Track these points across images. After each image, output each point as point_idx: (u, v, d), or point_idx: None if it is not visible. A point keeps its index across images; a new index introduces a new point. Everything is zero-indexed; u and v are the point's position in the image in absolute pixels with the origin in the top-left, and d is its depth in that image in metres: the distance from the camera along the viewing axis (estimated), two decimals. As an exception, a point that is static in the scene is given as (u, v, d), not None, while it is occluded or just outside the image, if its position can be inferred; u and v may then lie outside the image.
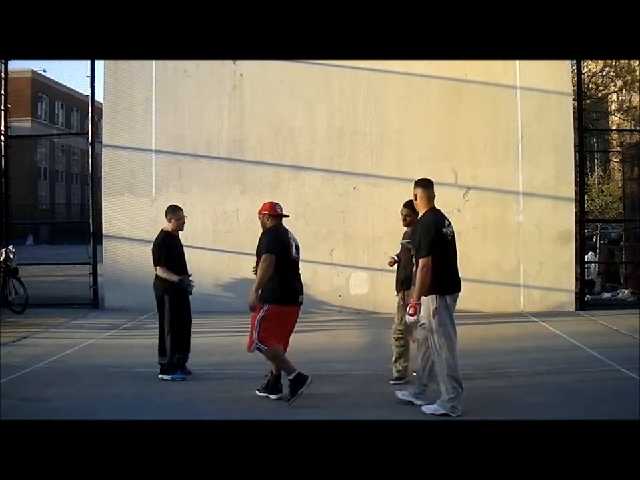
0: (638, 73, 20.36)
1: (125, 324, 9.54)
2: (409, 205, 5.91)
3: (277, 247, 5.38)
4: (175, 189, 10.87)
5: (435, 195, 5.28)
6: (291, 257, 5.49)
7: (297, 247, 5.61)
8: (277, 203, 5.79)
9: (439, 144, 10.64)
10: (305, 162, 10.75)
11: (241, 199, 10.71)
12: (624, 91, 23.49)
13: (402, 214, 6.13)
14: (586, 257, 13.05)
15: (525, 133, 10.57)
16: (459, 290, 5.28)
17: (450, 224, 5.26)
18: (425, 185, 5.30)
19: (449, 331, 5.08)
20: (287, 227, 5.71)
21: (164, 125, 10.92)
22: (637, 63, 19.51)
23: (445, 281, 5.08)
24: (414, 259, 5.28)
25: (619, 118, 24.29)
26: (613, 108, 24.86)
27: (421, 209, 5.28)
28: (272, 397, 5.52)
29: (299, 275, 5.62)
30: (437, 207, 5.26)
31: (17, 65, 15.92)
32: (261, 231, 5.68)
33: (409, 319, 5.10)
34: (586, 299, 10.84)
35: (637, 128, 22.13)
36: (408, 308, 5.12)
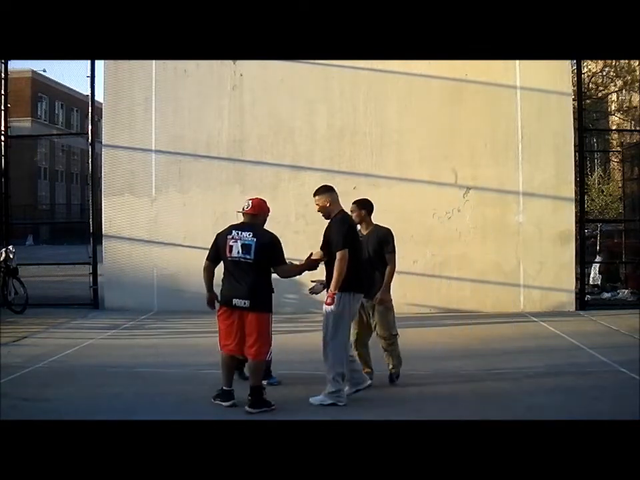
0: (638, 73, 20.36)
1: (125, 324, 9.53)
2: (357, 202, 6.08)
3: (212, 250, 5.51)
4: (175, 188, 10.87)
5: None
6: (227, 258, 5.35)
7: (243, 246, 5.29)
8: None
9: (439, 144, 10.64)
10: (305, 162, 10.75)
11: (241, 199, 10.60)
12: (624, 91, 23.48)
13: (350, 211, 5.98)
14: (597, 258, 13.08)
15: (525, 133, 10.57)
16: (363, 292, 5.58)
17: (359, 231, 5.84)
18: (332, 189, 5.60)
19: (345, 326, 5.45)
20: (244, 224, 5.54)
21: (164, 125, 10.92)
22: (637, 63, 19.50)
23: (351, 278, 5.33)
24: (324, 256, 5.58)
25: (619, 118, 24.28)
26: (613, 108, 24.85)
27: (333, 212, 5.53)
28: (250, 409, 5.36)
29: (241, 275, 5.26)
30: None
31: (17, 65, 15.91)
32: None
33: (325, 308, 5.40)
34: (586, 299, 10.84)
35: (637, 128, 22.13)
36: (326, 297, 5.39)
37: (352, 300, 5.42)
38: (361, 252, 5.63)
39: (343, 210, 5.57)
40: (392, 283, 6.03)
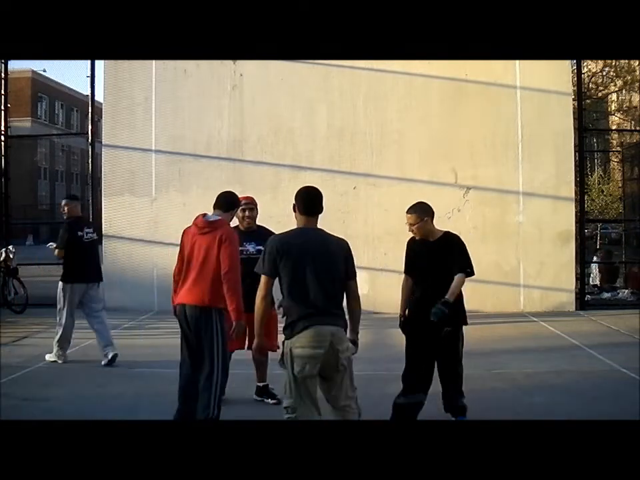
0: (638, 73, 20.36)
1: (125, 324, 9.53)
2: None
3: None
4: (175, 188, 10.87)
5: (76, 205, 7.33)
6: None
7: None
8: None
9: (439, 144, 10.64)
10: (305, 162, 10.76)
11: (241, 199, 10.71)
12: (624, 91, 23.48)
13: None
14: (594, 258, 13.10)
15: (524, 133, 10.58)
16: (83, 281, 7.08)
17: (92, 231, 7.25)
18: (77, 197, 7.66)
19: (69, 311, 7.03)
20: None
21: (164, 124, 10.92)
22: (637, 63, 19.51)
23: (69, 272, 7.06)
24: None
25: (619, 118, 24.29)
26: (613, 108, 24.85)
27: (70, 217, 7.18)
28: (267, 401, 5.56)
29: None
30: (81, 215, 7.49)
31: (16, 65, 15.94)
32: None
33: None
34: (586, 298, 10.84)
35: (637, 128, 22.13)
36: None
37: (69, 289, 7.05)
38: (82, 249, 7.04)
39: (76, 216, 7.20)
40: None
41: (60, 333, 7.07)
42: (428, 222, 4.73)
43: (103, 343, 7.09)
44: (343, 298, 3.85)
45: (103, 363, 6.98)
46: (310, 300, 3.69)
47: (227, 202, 4.86)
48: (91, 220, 7.38)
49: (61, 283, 7.14)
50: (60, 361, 7.06)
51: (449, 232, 4.85)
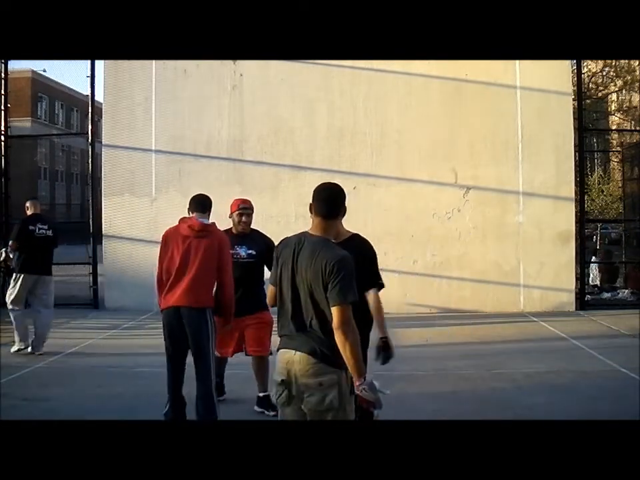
0: (638, 73, 20.37)
1: (125, 324, 9.54)
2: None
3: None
4: (175, 188, 10.87)
5: (37, 205, 7.85)
6: None
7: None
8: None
9: (439, 144, 10.65)
10: (305, 162, 10.76)
11: (241, 199, 10.72)
12: (624, 91, 23.49)
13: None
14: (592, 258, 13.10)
15: (524, 133, 10.58)
16: (32, 273, 7.52)
17: (47, 228, 7.63)
18: (37, 197, 8.03)
19: (17, 298, 7.50)
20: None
21: (164, 124, 10.92)
22: (637, 63, 19.51)
23: (19, 263, 7.48)
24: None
25: (619, 118, 24.29)
26: (613, 108, 24.86)
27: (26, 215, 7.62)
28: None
29: None
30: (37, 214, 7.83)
31: (16, 65, 15.90)
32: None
33: None
34: (586, 299, 10.84)
35: (637, 128, 22.13)
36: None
37: (21, 278, 7.50)
38: (34, 245, 7.41)
39: (34, 214, 7.64)
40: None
41: (13, 323, 7.59)
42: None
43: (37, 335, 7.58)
44: (325, 321, 3.04)
45: (29, 350, 7.51)
46: (286, 318, 3.16)
47: (204, 204, 4.80)
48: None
49: (14, 274, 7.64)
50: (22, 347, 7.48)
51: (357, 235, 3.97)
